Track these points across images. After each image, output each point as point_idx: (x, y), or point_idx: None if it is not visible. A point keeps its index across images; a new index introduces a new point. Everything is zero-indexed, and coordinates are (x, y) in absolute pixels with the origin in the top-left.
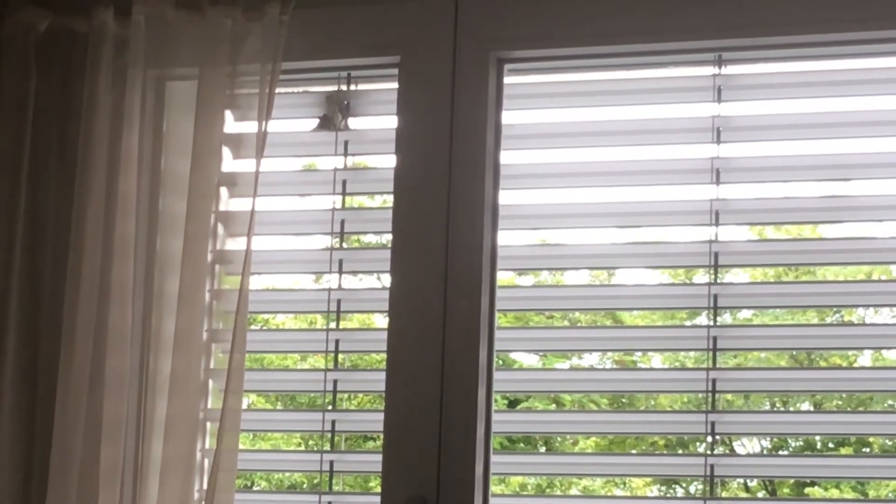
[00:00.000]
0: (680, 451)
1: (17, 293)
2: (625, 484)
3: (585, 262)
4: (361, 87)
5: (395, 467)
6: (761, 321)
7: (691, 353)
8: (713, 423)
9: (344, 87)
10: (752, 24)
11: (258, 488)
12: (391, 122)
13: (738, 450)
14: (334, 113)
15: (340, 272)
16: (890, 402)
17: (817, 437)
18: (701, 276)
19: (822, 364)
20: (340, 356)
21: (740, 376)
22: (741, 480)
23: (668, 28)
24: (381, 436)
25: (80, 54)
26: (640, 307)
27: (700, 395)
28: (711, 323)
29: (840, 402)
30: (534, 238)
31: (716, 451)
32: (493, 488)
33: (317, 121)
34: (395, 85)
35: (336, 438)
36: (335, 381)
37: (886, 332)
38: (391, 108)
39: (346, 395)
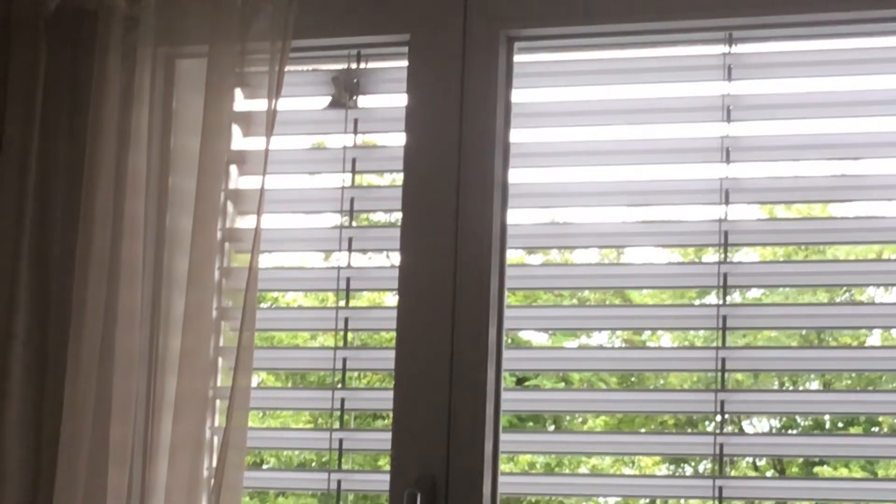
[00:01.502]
0: (689, 430)
1: (26, 271)
2: (634, 462)
3: (595, 241)
4: (371, 65)
5: (405, 445)
6: (771, 300)
7: (701, 332)
8: (722, 402)
9: (353, 65)
10: (763, 2)
11: (268, 466)
12: (401, 100)
13: (747, 429)
14: (342, 91)
15: (350, 250)
16: None
17: (826, 416)
18: (711, 255)
19: (832, 343)
20: (350, 334)
21: (750, 355)
22: (750, 459)
23: (679, 6)
24: (391, 414)
25: (89, 32)
26: (650, 286)
27: (709, 374)
28: (721, 302)
29: (849, 382)
30: (543, 216)
31: (725, 430)
32: (502, 466)
33: (328, 99)
34: (405, 63)
35: (345, 417)
36: (344, 360)
37: None
38: (401, 86)
39: (355, 374)
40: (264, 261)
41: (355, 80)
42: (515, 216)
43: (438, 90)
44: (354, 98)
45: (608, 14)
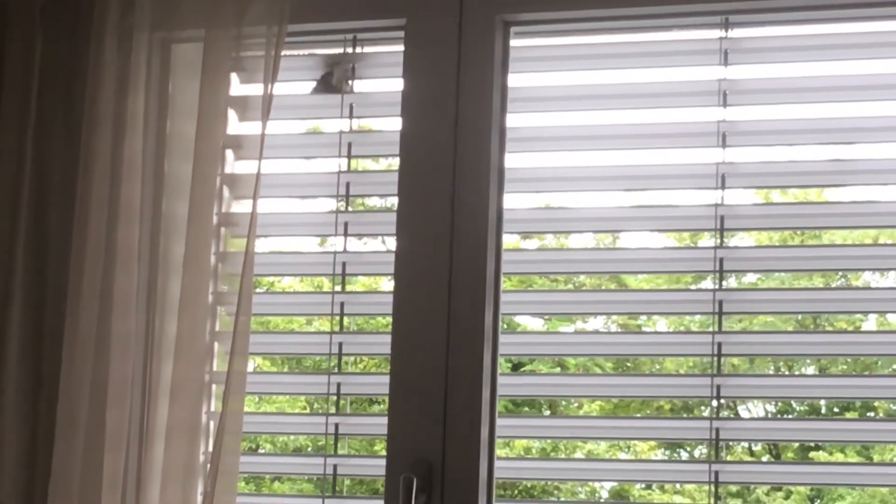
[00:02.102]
0: (685, 415)
1: (22, 257)
2: (629, 447)
3: (590, 226)
4: (367, 49)
5: (401, 430)
6: (767, 285)
7: (697, 317)
8: (718, 387)
9: (349, 50)
10: None
11: (264, 451)
12: (397, 84)
13: (743, 413)
14: (340, 78)
15: (346, 235)
16: (895, 366)
17: (822, 401)
18: (707, 240)
19: (828, 328)
20: (346, 319)
21: (746, 340)
22: (746, 444)
23: None
24: (387, 399)
25: (85, 17)
26: (646, 271)
27: (705, 359)
28: (717, 286)
29: (845, 366)
30: (539, 201)
31: (721, 415)
32: (498, 451)
33: (317, 81)
34: (401, 47)
35: (341, 401)
36: (340, 344)
37: (892, 295)
38: (397, 70)
39: (351, 358)
40: (260, 245)
41: (351, 65)
42: (511, 201)
43: (434, 75)
44: (349, 83)
45: None
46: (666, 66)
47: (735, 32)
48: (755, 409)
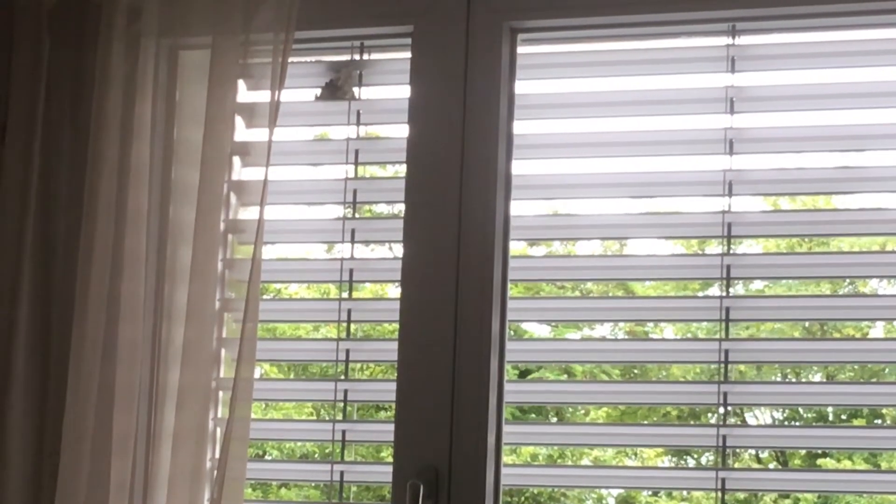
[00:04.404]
0: (692, 422)
1: (29, 263)
2: (636, 454)
3: (598, 233)
4: (374, 56)
5: (407, 437)
6: (774, 292)
7: (704, 324)
8: (725, 394)
9: (357, 57)
10: None
11: (270, 457)
12: (404, 91)
13: (750, 421)
14: (346, 82)
15: (353, 241)
16: None
17: (829, 409)
18: (714, 247)
19: (835, 335)
20: (353, 326)
21: (753, 347)
22: (753, 451)
23: None
24: (394, 406)
25: (92, 23)
26: (653, 277)
27: (712, 366)
28: (724, 294)
29: (852, 374)
30: (546, 208)
31: (728, 422)
32: (505, 458)
33: (323, 88)
34: (409, 54)
35: (348, 408)
36: (347, 351)
37: None
38: (404, 77)
39: (358, 365)
40: (267, 252)
41: (358, 72)
42: (518, 207)
43: (441, 82)
44: (353, 88)
45: (611, 5)
46: (673, 73)
47: (742, 39)
48: (762, 416)
